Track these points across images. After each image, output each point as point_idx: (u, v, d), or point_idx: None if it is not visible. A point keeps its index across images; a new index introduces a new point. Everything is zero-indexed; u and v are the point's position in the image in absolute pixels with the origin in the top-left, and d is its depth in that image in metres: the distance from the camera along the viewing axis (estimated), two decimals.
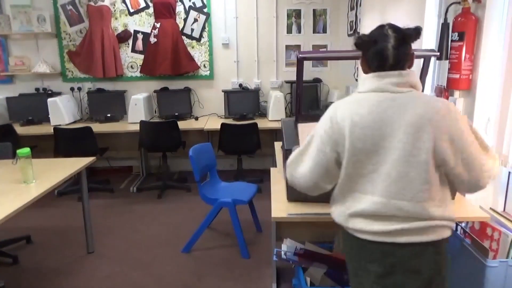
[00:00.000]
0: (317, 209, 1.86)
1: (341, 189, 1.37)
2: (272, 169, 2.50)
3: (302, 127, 2.05)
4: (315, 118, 2.41)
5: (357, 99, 1.32)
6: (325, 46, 4.79)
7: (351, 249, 1.38)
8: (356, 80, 4.11)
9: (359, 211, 1.30)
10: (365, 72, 1.39)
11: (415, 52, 1.98)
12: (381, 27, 1.34)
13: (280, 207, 1.92)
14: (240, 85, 4.77)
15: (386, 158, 1.25)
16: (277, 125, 4.27)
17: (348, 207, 1.34)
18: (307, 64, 4.83)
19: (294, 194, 1.92)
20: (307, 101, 4.61)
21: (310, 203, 1.92)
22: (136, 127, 4.10)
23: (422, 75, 2.08)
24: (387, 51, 1.30)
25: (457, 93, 2.17)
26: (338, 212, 1.39)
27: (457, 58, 2.02)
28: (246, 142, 4.06)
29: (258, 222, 3.24)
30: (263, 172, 4.82)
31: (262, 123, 4.22)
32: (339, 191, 1.38)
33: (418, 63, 2.18)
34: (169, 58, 4.53)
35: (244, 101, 4.59)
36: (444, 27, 2.07)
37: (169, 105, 4.63)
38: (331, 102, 4.68)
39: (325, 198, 1.89)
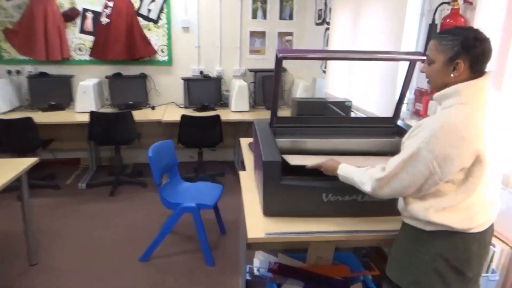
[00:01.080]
0: (298, 225, 1.69)
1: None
2: (242, 174, 2.30)
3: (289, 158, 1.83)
4: (292, 120, 2.22)
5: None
6: (291, 34, 4.59)
7: (472, 253, 1.34)
8: (324, 71, 3.96)
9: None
10: (462, 77, 1.29)
11: (400, 56, 1.81)
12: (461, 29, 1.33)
13: (256, 223, 1.72)
14: (201, 72, 4.46)
15: None
16: (240, 116, 4.04)
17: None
18: (271, 51, 4.61)
19: (272, 207, 1.73)
20: (271, 91, 4.40)
21: (289, 218, 1.75)
22: (85, 118, 3.68)
23: (407, 79, 1.95)
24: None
25: None
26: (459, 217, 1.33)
27: None
28: (208, 135, 3.81)
29: (222, 224, 3.04)
30: (224, 164, 4.60)
31: (224, 115, 3.98)
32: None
33: (403, 66, 2.12)
34: (123, 41, 4.11)
35: (206, 90, 4.31)
36: (432, 28, 1.94)
37: (122, 92, 4.23)
38: (296, 93, 4.57)
39: (308, 211, 1.73)
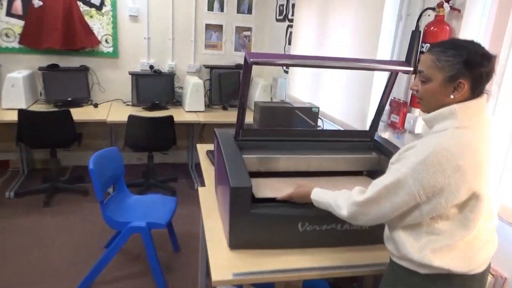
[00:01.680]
0: (271, 260, 1.44)
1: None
2: (201, 191, 2.00)
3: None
4: (260, 133, 1.96)
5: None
6: (250, 29, 4.31)
7: None
8: (286, 72, 3.74)
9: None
10: (460, 98, 1.11)
11: (382, 66, 1.62)
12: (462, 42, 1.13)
13: (221, 260, 1.45)
14: (151, 67, 4.05)
15: None
16: (195, 117, 3.72)
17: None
18: (229, 46, 4.31)
19: (240, 239, 1.47)
20: (228, 90, 4.13)
21: (259, 250, 1.50)
22: (13, 116, 3.16)
23: (387, 90, 1.77)
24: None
25: (417, 111, 1.91)
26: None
27: None
28: (159, 138, 3.44)
29: (176, 240, 2.72)
30: (177, 168, 4.26)
31: (177, 115, 3.63)
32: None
33: (379, 73, 1.91)
34: (60, 28, 3.61)
35: (156, 87, 3.92)
36: (415, 35, 1.76)
37: (59, 87, 3.72)
38: (255, 94, 4.32)
39: (282, 243, 1.50)
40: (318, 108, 2.63)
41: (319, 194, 1.39)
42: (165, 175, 4.01)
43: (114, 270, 2.48)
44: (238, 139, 1.77)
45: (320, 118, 2.69)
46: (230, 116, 3.80)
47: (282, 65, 1.41)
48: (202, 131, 4.28)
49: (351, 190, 1.29)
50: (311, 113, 2.60)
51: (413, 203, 1.09)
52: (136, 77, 3.83)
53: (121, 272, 2.49)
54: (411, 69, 1.62)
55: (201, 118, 3.70)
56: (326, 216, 1.37)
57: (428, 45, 1.72)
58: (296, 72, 3.48)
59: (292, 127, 2.55)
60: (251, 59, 1.45)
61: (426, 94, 1.15)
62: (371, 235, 1.51)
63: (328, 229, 1.50)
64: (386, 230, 1.28)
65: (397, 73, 1.72)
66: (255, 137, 1.80)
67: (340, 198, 1.29)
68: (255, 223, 1.44)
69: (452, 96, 1.10)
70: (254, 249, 1.49)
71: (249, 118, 3.36)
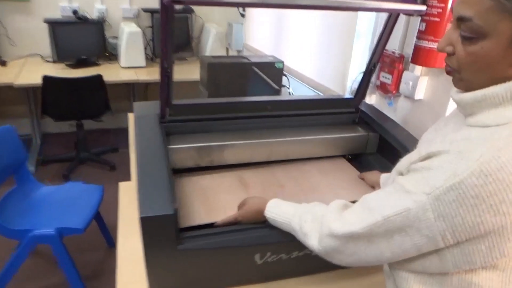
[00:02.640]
0: None
1: None
2: (122, 187, 1.41)
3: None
4: (198, 108, 1.36)
5: None
6: None
7: None
8: (243, 15, 3.06)
9: None
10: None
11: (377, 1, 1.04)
12: None
13: None
14: (75, 12, 3.21)
15: None
16: (133, 75, 3.02)
17: None
18: None
19: (167, 285, 0.94)
20: (175, 39, 3.41)
21: None
22: None
23: (381, 42, 1.20)
24: None
25: (418, 70, 1.37)
26: None
27: (439, 15, 1.18)
28: (86, 103, 2.76)
29: (109, 233, 2.17)
30: (119, 135, 3.60)
31: (111, 73, 2.93)
32: None
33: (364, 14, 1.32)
34: None
35: (82, 37, 3.14)
36: None
37: None
38: (206, 45, 3.61)
39: (232, 282, 1.00)
40: (283, 63, 2.04)
41: (277, 210, 0.90)
42: (102, 145, 3.36)
43: (23, 282, 1.92)
44: (165, 121, 1.18)
45: (285, 75, 2.11)
46: (180, 72, 3.13)
47: (222, 4, 0.78)
48: (146, 90, 3.59)
49: (328, 204, 0.81)
50: (274, 69, 2.02)
51: (432, 248, 0.63)
52: (54, 25, 3.02)
53: (33, 284, 1.93)
54: (424, 8, 1.05)
55: (141, 76, 3.01)
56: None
57: None
58: (254, 16, 2.82)
59: (250, 90, 1.97)
60: None
61: (473, 61, 0.61)
62: None
63: (301, 256, 1.00)
64: (386, 266, 0.80)
65: (397, 16, 1.16)
66: (191, 115, 1.22)
67: (308, 221, 0.80)
68: (186, 264, 0.91)
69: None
70: None
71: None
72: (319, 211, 0.80)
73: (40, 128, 3.44)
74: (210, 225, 0.97)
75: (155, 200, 0.85)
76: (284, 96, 1.55)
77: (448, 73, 0.67)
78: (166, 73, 1.05)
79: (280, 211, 0.88)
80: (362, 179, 1.23)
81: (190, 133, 1.20)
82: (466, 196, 0.56)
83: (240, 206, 0.98)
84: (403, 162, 0.70)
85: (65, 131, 3.59)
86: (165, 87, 1.07)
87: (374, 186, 1.17)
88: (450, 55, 0.64)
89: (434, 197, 0.58)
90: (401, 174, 0.69)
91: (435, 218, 0.59)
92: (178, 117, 1.19)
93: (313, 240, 0.77)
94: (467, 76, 0.63)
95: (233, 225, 0.96)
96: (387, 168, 1.31)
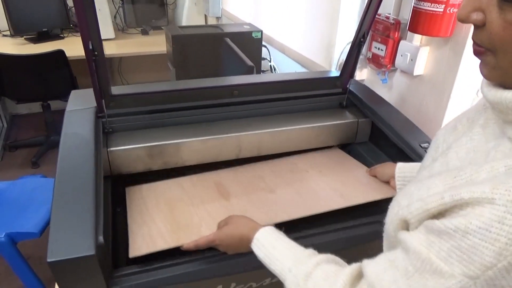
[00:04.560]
0: None
1: None
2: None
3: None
4: (148, 98, 1.08)
5: None
6: None
7: None
8: None
9: None
10: None
11: None
12: None
13: None
14: None
15: None
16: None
17: None
18: None
19: None
20: (148, 6, 3.10)
21: None
22: None
23: (373, 1, 0.95)
24: None
25: (418, 39, 1.13)
26: None
27: None
28: (48, 82, 2.48)
29: None
30: None
31: (77, 47, 2.62)
32: None
33: None
34: None
35: (41, 7, 2.80)
36: None
37: None
38: (182, 12, 3.28)
39: None
40: (261, 32, 1.77)
41: (267, 249, 0.65)
42: None
43: None
44: (103, 115, 0.94)
45: (266, 47, 1.85)
46: (154, 43, 2.84)
47: None
48: (120, 64, 3.30)
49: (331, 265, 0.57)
50: (251, 40, 1.75)
51: None
52: None
53: None
54: None
55: (111, 49, 2.71)
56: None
57: None
58: None
59: (225, 66, 1.71)
60: None
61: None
62: None
63: (275, 283, 0.80)
64: None
65: None
66: (136, 107, 0.98)
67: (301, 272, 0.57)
68: None
69: None
70: None
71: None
72: (328, 277, 0.54)
73: (7, 109, 3.17)
74: (177, 250, 0.74)
75: (69, 235, 0.64)
76: (254, 77, 1.30)
77: (477, 54, 0.43)
78: (93, 56, 0.80)
79: (273, 252, 0.63)
80: (374, 176, 0.99)
81: (137, 129, 0.97)
82: None
83: (220, 226, 0.75)
84: (414, 206, 0.44)
85: (36, 111, 3.32)
86: (94, 74, 0.83)
87: (389, 181, 0.92)
88: (478, 27, 0.41)
89: (484, 283, 0.37)
90: (407, 222, 0.45)
91: None
92: (120, 109, 0.95)
93: None
94: (506, 61, 0.40)
95: (207, 249, 0.73)
96: (382, 161, 1.10)
